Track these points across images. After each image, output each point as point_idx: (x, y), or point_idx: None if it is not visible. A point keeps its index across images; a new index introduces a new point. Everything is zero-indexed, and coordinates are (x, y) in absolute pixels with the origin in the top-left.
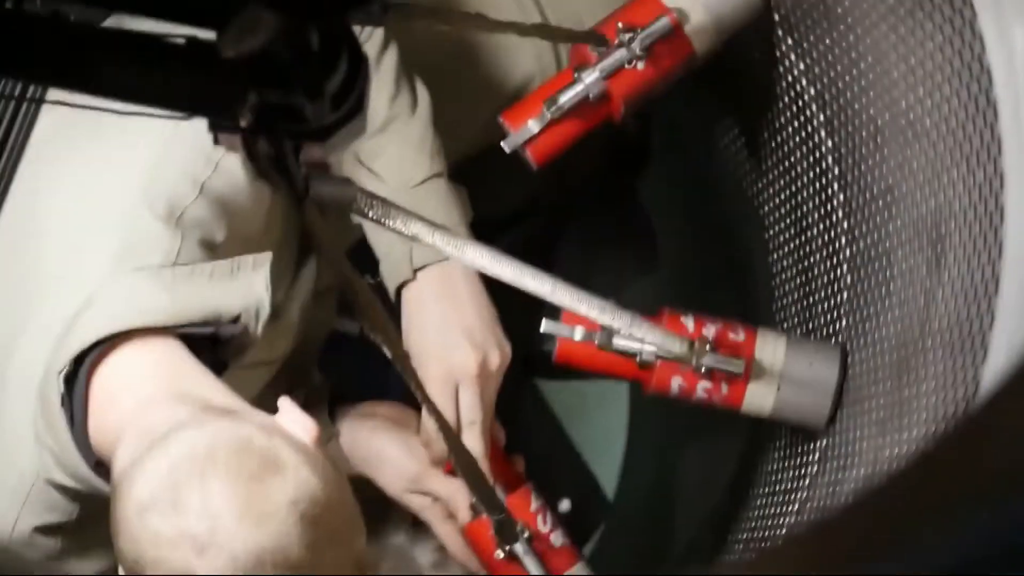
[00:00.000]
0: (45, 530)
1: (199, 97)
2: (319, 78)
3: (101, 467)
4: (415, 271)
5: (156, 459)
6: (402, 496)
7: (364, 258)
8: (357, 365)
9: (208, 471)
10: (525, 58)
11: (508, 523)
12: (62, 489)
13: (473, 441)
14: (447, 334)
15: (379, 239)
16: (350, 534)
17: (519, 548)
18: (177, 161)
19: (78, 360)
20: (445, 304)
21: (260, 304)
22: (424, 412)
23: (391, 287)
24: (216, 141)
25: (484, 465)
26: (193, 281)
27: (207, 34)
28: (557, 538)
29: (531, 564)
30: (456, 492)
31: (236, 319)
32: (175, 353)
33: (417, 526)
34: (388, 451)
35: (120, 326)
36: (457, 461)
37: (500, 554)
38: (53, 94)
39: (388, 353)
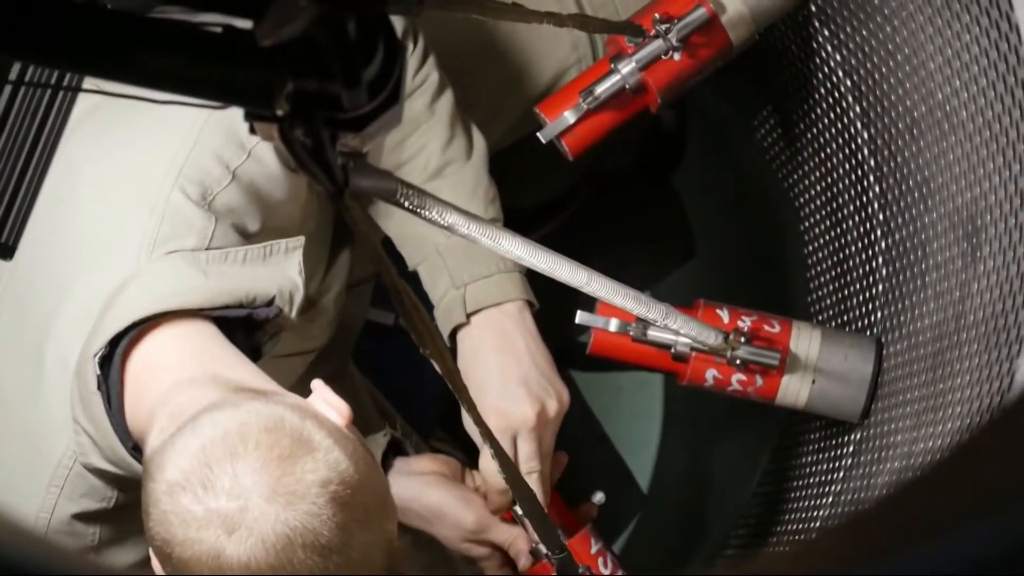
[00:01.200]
0: (83, 517)
1: (235, 86)
2: (356, 66)
3: (139, 450)
4: (469, 315)
5: (187, 439)
6: (460, 546)
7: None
8: (391, 355)
9: (239, 450)
10: (562, 48)
11: (570, 564)
12: (99, 473)
13: (535, 488)
14: (505, 386)
15: (434, 284)
16: (381, 518)
17: None
18: (210, 146)
19: (113, 342)
20: (502, 353)
21: (294, 288)
22: (483, 456)
23: (445, 331)
24: (252, 130)
25: (544, 508)
26: (227, 264)
27: (243, 22)
28: None
29: None
30: (517, 539)
31: (270, 302)
32: (209, 335)
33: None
34: (444, 505)
35: (156, 308)
36: (520, 501)
37: None
38: (90, 82)
39: (439, 368)
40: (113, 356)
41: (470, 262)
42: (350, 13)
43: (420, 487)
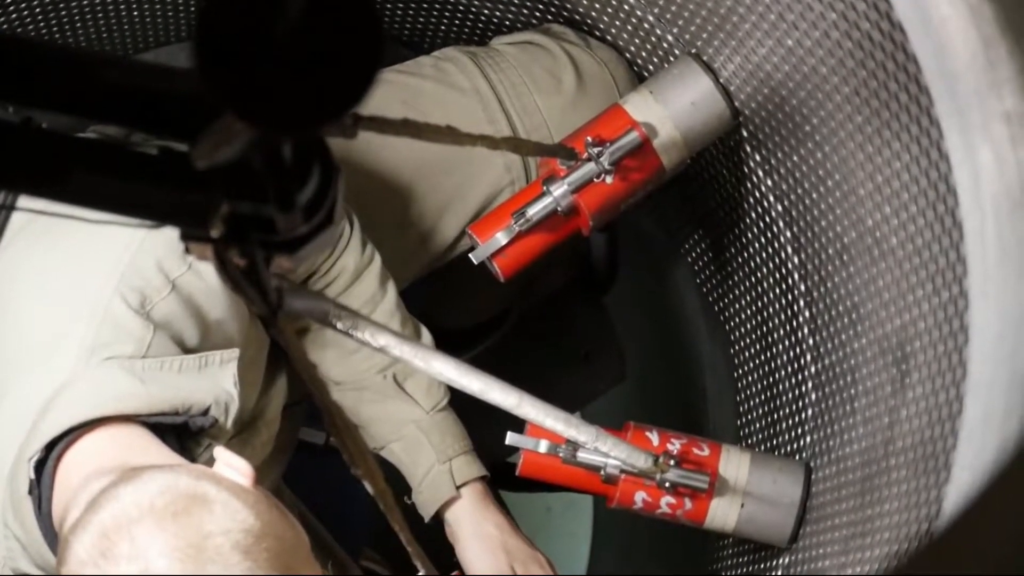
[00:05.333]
0: None
1: (171, 206)
2: (291, 189)
3: None
4: (458, 487)
5: (89, 517)
6: None
7: None
8: (321, 475)
9: (135, 516)
10: (495, 169)
11: None
12: None
13: None
14: (520, 539)
15: (415, 460)
16: (291, 564)
17: None
18: (152, 254)
19: (49, 447)
20: (499, 515)
21: (229, 399)
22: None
23: (432, 507)
24: (187, 251)
25: None
26: (163, 373)
27: (180, 144)
28: None
29: None
30: None
31: (206, 411)
32: (138, 436)
33: None
34: None
35: (93, 413)
36: None
37: None
38: (25, 201)
39: (370, 489)
40: (47, 460)
41: (451, 438)
42: (286, 137)
43: None
